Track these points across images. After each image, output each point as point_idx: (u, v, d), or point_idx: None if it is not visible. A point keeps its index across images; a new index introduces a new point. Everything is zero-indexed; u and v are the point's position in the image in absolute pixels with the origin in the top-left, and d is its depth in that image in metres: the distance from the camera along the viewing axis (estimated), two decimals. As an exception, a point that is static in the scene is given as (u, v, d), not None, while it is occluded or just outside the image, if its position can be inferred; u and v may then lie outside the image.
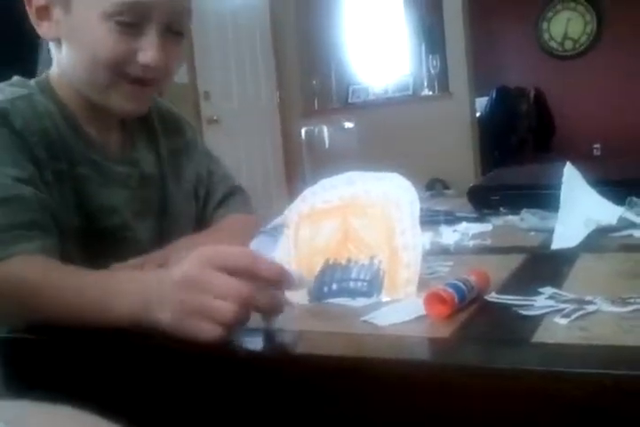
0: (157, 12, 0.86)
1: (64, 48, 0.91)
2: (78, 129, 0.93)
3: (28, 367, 0.69)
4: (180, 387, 0.58)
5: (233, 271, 0.57)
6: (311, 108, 5.22)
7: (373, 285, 0.68)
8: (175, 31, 0.90)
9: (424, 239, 0.95)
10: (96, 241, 0.89)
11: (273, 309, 0.59)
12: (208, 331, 0.56)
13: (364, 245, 0.70)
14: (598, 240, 0.92)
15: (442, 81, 4.97)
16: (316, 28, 5.39)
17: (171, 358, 0.59)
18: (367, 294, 0.67)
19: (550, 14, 7.59)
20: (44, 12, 0.89)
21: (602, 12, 7.32)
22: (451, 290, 0.59)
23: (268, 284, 0.58)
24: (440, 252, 0.95)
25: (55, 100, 0.93)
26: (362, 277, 0.67)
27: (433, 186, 5.11)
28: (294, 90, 5.26)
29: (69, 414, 0.33)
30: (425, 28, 5.01)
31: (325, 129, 5.05)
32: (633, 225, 0.99)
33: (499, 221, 1.21)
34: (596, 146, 7.57)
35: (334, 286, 0.68)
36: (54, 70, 0.96)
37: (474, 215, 1.27)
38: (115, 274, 0.73)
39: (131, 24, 0.85)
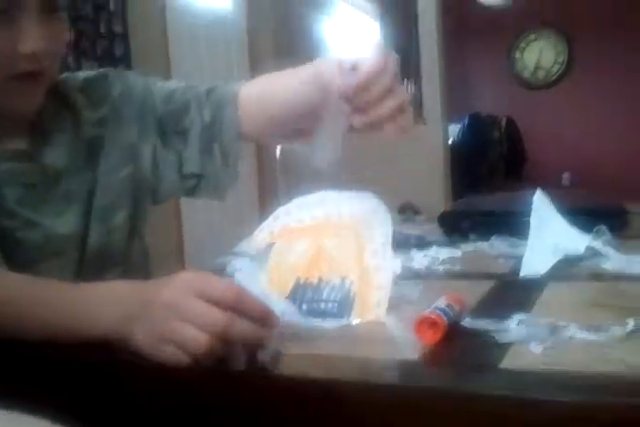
0: None
1: None
2: None
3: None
4: (144, 404, 0.58)
5: (215, 302, 0.56)
6: (286, 130, 5.23)
7: (344, 306, 0.68)
8: (53, 9, 0.78)
9: (395, 262, 0.96)
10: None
11: (251, 342, 0.57)
12: (177, 359, 0.56)
13: (336, 266, 0.70)
14: (566, 269, 0.93)
15: (416, 107, 5.03)
16: (294, 48, 5.43)
17: (138, 374, 0.59)
18: (337, 316, 0.67)
19: (523, 44, 7.75)
20: None
21: (573, 42, 7.50)
22: (441, 314, 0.60)
23: (250, 320, 0.57)
24: (411, 276, 0.95)
25: None
26: (332, 297, 0.67)
27: (404, 210, 5.15)
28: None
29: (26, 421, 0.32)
30: (400, 55, 5.05)
31: (301, 148, 5.07)
32: (600, 254, 1.00)
33: (469, 247, 1.22)
34: (565, 175, 7.71)
35: (304, 307, 0.68)
36: None
37: (444, 240, 1.28)
38: (96, 285, 0.69)
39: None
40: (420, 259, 1.07)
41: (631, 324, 0.59)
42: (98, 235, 0.87)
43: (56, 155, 0.87)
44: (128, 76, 0.97)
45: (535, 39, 7.69)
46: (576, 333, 0.59)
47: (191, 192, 0.97)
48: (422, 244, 1.25)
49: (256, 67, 5.29)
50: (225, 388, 0.55)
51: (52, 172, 0.86)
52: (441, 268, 1.02)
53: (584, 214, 1.25)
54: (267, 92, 0.91)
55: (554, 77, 7.65)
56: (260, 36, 5.21)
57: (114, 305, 0.63)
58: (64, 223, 0.85)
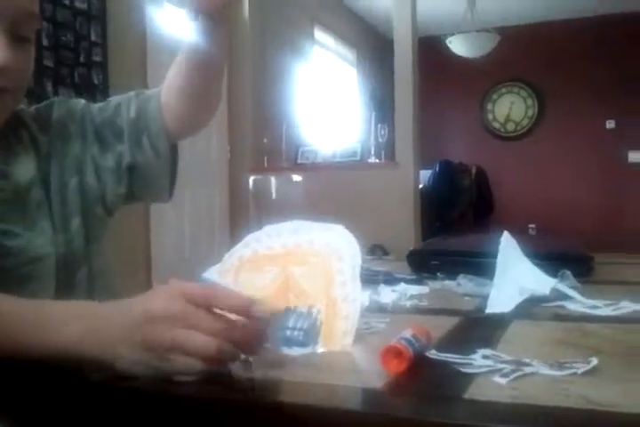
0: None
1: None
2: None
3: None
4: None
5: (207, 306, 0.57)
6: (260, 166, 5.26)
7: (310, 335, 0.67)
8: (21, 37, 0.83)
9: (363, 295, 0.96)
10: None
11: (249, 343, 0.58)
12: (190, 366, 0.55)
13: (304, 294, 0.69)
14: (531, 308, 0.94)
15: (389, 150, 5.11)
16: (270, 90, 5.50)
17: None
18: (303, 344, 0.66)
19: (495, 97, 7.96)
20: None
21: (543, 97, 7.72)
22: (406, 344, 0.59)
23: (233, 312, 0.58)
24: (377, 309, 0.95)
25: None
26: (299, 326, 0.67)
27: (374, 251, 5.16)
28: (245, 147, 5.31)
29: None
30: (376, 99, 5.18)
31: (273, 180, 5.10)
32: (565, 296, 1.01)
33: (436, 284, 1.22)
34: (531, 226, 7.82)
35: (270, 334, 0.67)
36: None
37: (412, 277, 1.28)
38: (55, 302, 0.68)
39: None
40: (387, 293, 1.07)
41: (594, 362, 0.59)
42: (61, 241, 0.93)
43: (23, 171, 0.92)
44: (70, 100, 1.04)
45: (507, 92, 7.91)
46: (540, 368, 0.59)
47: (131, 193, 1.03)
48: (390, 280, 1.26)
49: (234, 106, 5.35)
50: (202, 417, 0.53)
51: (23, 186, 0.91)
52: (408, 303, 1.02)
53: (550, 259, 1.27)
54: (172, 83, 1.02)
55: (523, 130, 7.85)
56: (238, 76, 5.27)
57: (85, 312, 0.61)
58: (39, 232, 0.90)
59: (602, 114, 7.38)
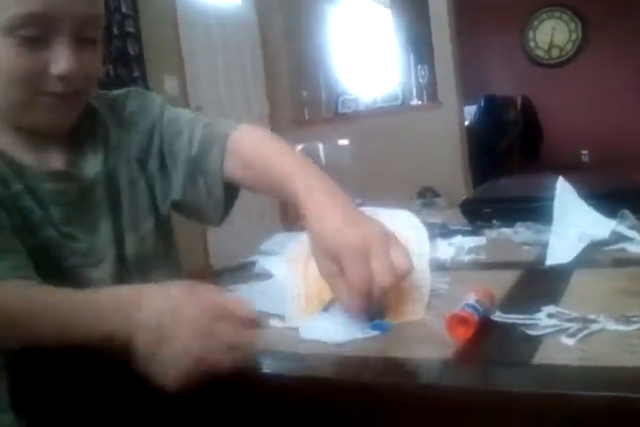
0: (62, 21, 0.79)
1: None
2: (3, 157, 0.85)
3: (33, 384, 0.70)
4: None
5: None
6: (301, 119, 5.24)
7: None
8: (86, 38, 0.83)
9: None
10: (39, 255, 0.82)
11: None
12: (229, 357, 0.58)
13: None
14: (591, 255, 0.93)
15: (431, 91, 5.01)
16: (305, 40, 5.42)
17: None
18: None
19: (536, 23, 7.66)
20: None
21: (586, 20, 7.40)
22: (471, 311, 0.61)
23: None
24: (437, 267, 0.96)
25: None
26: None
27: (424, 194, 5.14)
28: (284, 101, 5.28)
29: None
30: (413, 40, 5.05)
31: (320, 146, 5.07)
32: (625, 238, 1.00)
33: (492, 234, 1.22)
34: (583, 152, 7.64)
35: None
36: None
37: (468, 228, 1.28)
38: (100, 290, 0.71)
39: (35, 37, 0.78)
40: (445, 249, 1.07)
41: (661, 315, 0.60)
42: (133, 242, 0.92)
43: (89, 168, 0.91)
44: (146, 94, 1.01)
45: (548, 18, 7.60)
46: (606, 324, 0.60)
47: (177, 212, 1.00)
48: (446, 233, 1.26)
49: (269, 59, 5.30)
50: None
51: (88, 185, 0.90)
52: (466, 258, 1.02)
53: (606, 198, 1.25)
54: (250, 155, 0.92)
55: (568, 56, 7.56)
56: (271, 29, 5.21)
57: (123, 311, 0.64)
58: (102, 234, 0.89)
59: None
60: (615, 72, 7.24)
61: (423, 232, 0.73)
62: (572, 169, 7.25)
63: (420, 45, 5.03)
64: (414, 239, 0.73)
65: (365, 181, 4.57)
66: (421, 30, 5.00)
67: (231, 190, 0.96)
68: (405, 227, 0.73)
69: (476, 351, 0.57)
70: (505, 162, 6.63)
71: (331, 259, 0.68)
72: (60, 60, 0.80)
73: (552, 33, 7.60)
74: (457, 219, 1.46)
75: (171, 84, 4.34)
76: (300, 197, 0.76)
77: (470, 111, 6.23)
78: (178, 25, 4.45)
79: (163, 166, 0.96)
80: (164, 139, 0.97)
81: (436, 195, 5.12)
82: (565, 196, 1.06)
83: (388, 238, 0.67)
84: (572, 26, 7.50)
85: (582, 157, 7.64)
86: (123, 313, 0.63)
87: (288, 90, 5.26)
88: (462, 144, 5.02)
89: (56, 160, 0.89)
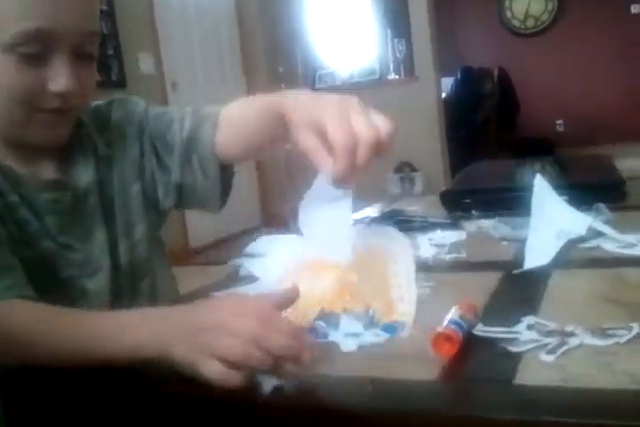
0: (61, 38, 0.80)
1: None
2: None
3: (28, 402, 0.71)
4: None
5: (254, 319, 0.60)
6: (278, 94, 5.21)
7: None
8: (84, 54, 0.84)
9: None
10: (36, 267, 0.83)
11: (286, 354, 0.59)
12: (215, 371, 0.58)
13: (360, 296, 0.73)
14: (568, 254, 0.96)
15: (408, 65, 5.00)
16: (281, 14, 5.35)
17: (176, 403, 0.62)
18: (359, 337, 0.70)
19: (512, -8, 7.63)
20: None
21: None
22: (455, 328, 0.63)
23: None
24: (419, 267, 0.98)
25: None
26: (355, 324, 0.70)
27: (401, 169, 5.17)
28: (261, 77, 5.24)
29: None
30: (390, 13, 5.01)
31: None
32: (600, 234, 1.03)
33: (472, 226, 1.25)
34: (559, 122, 7.69)
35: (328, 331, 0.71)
36: None
37: (447, 221, 1.30)
38: (128, 311, 0.72)
39: (35, 54, 0.79)
40: (426, 248, 1.09)
41: (635, 329, 0.62)
42: (125, 250, 0.94)
43: (81, 177, 0.92)
44: (129, 100, 1.01)
45: (523, -14, 7.58)
46: (583, 337, 0.63)
47: (180, 204, 1.01)
48: (426, 226, 1.28)
49: (245, 35, 5.23)
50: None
51: (81, 194, 0.91)
52: (448, 257, 1.05)
53: (582, 189, 1.28)
54: (238, 117, 0.95)
55: (544, 25, 7.56)
56: (247, 4, 5.13)
57: (150, 326, 0.65)
58: (96, 242, 0.91)
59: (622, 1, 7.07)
60: (590, 42, 7.26)
61: (409, 251, 0.75)
62: (547, 140, 7.31)
63: (397, 20, 5.00)
64: (402, 257, 0.74)
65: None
66: (398, 4, 4.96)
67: (227, 173, 0.98)
68: (392, 244, 0.75)
69: (460, 370, 0.60)
70: (482, 133, 6.66)
71: (313, 130, 0.69)
72: (59, 78, 0.80)
73: (528, 2, 7.57)
74: (436, 208, 1.48)
75: (146, 62, 4.28)
76: (284, 104, 0.78)
77: (447, 83, 6.23)
78: (152, 1, 4.37)
79: (159, 160, 0.98)
80: (154, 135, 0.98)
81: (414, 169, 5.15)
82: (542, 193, 1.08)
83: (365, 105, 0.69)
84: (548, -5, 7.48)
85: (557, 126, 7.70)
86: (150, 327, 0.65)
87: (265, 66, 5.22)
88: (440, 118, 5.04)
89: (48, 170, 0.90)
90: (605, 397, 0.51)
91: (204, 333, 0.61)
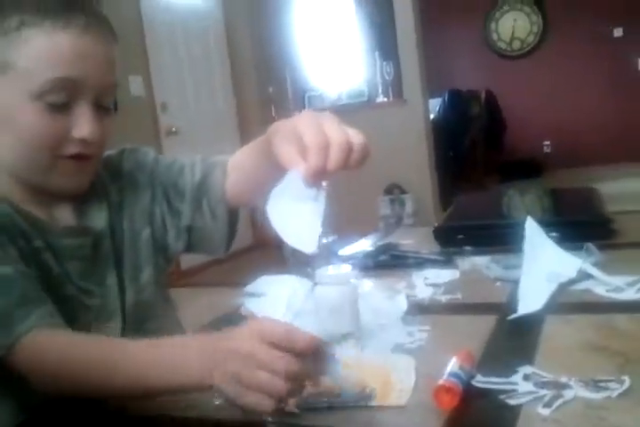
0: (87, 87, 0.85)
1: None
2: (21, 212, 0.88)
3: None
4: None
5: (277, 346, 0.63)
6: (269, 116, 5.25)
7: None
8: (103, 105, 0.89)
9: (401, 301, 1.03)
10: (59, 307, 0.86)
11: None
12: (264, 404, 0.61)
13: (358, 380, 0.74)
14: (560, 297, 1.00)
15: (396, 87, 5.07)
16: (271, 36, 5.42)
17: None
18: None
19: (498, 15, 7.77)
20: None
21: (547, 12, 7.53)
22: (455, 380, 0.66)
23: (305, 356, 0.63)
24: (416, 310, 1.01)
25: None
26: (352, 398, 0.72)
27: (391, 191, 5.22)
28: (251, 97, 5.29)
29: None
30: (378, 36, 5.08)
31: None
32: (590, 276, 1.07)
33: (465, 264, 1.28)
34: (546, 143, 7.81)
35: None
36: None
37: (441, 258, 1.34)
38: (171, 338, 0.75)
39: (60, 102, 0.83)
40: (422, 288, 1.13)
41: (627, 383, 0.66)
42: (133, 292, 0.97)
43: (96, 222, 0.96)
44: (139, 150, 1.07)
45: (509, 9, 7.71)
46: (577, 390, 0.66)
47: (189, 247, 1.06)
48: (420, 263, 1.32)
49: (235, 55, 5.28)
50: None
51: (97, 240, 0.95)
52: (444, 298, 1.08)
53: (572, 226, 1.33)
54: (241, 162, 1.01)
55: (529, 47, 7.70)
56: (236, 24, 5.19)
57: (198, 354, 0.68)
58: (110, 287, 0.95)
59: (608, 22, 7.21)
60: (575, 63, 7.40)
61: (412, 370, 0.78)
62: (534, 161, 7.41)
63: (385, 42, 5.07)
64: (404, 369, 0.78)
65: (332, 179, 4.60)
66: (386, 27, 5.04)
67: (233, 216, 1.03)
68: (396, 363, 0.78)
69: (462, 423, 0.63)
70: (469, 155, 6.74)
71: (289, 141, 0.72)
72: (83, 124, 0.85)
73: (513, 25, 7.71)
74: (428, 242, 1.52)
75: (135, 84, 4.32)
76: (270, 135, 0.79)
77: (434, 105, 6.31)
78: (142, 23, 4.42)
79: (170, 205, 1.03)
80: (165, 182, 1.03)
81: (403, 191, 5.20)
82: (534, 237, 1.12)
83: (340, 120, 0.72)
84: (534, 17, 7.62)
85: (545, 148, 7.81)
86: (190, 356, 0.68)
87: (255, 87, 5.27)
88: (428, 140, 5.10)
89: (66, 215, 0.94)
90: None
91: (235, 362, 0.63)
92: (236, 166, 1.01)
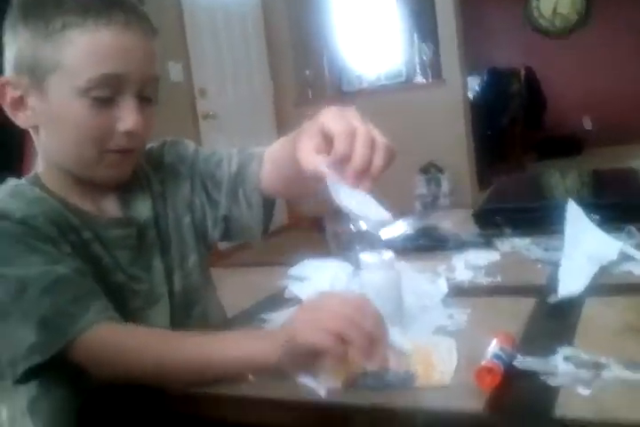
0: (131, 81, 0.88)
1: (43, 133, 0.92)
2: (70, 207, 0.93)
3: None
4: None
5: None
6: (305, 98, 5.26)
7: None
8: (146, 98, 0.92)
9: (442, 284, 1.05)
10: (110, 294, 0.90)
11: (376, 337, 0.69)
12: (321, 338, 0.67)
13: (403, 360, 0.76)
14: (601, 279, 1.00)
15: (434, 68, 5.02)
16: (308, 19, 5.40)
17: None
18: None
19: (539, -9, 7.60)
20: (19, 103, 0.90)
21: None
22: (496, 361, 0.68)
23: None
24: (456, 292, 1.03)
25: (42, 187, 0.94)
26: (394, 377, 0.74)
27: (428, 170, 5.20)
28: (288, 81, 5.30)
29: None
30: (416, 16, 5.04)
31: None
32: (631, 258, 1.08)
33: (505, 246, 1.29)
34: (586, 120, 7.66)
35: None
36: (39, 162, 0.97)
37: (481, 240, 1.35)
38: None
39: (106, 97, 0.87)
40: (462, 271, 1.14)
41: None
42: (180, 278, 1.02)
43: (140, 212, 1.00)
44: (180, 143, 1.11)
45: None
46: (617, 371, 0.68)
47: (225, 235, 1.10)
48: (460, 245, 1.33)
49: (272, 37, 5.29)
50: None
51: (142, 229, 0.99)
52: (484, 281, 1.09)
53: (613, 208, 1.33)
54: (276, 153, 1.03)
55: (571, 25, 7.51)
56: (274, 7, 5.18)
57: (266, 333, 0.79)
58: (156, 273, 0.99)
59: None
60: (618, 41, 7.21)
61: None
62: (574, 138, 7.28)
63: (424, 23, 5.02)
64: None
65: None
66: (425, 7, 4.99)
67: (269, 204, 1.07)
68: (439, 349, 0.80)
69: (503, 403, 0.65)
70: (508, 134, 6.66)
71: (310, 136, 0.75)
72: (128, 118, 0.88)
73: (556, 1, 7.54)
74: (467, 224, 1.53)
75: (175, 71, 4.37)
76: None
77: (473, 83, 6.24)
78: (182, 10, 4.45)
79: (208, 196, 1.07)
80: (204, 174, 1.07)
81: (440, 170, 5.18)
82: (575, 219, 1.12)
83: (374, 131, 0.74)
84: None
85: (585, 125, 7.67)
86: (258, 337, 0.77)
87: (292, 70, 5.28)
88: (466, 120, 5.05)
89: (111, 207, 0.99)
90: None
91: (306, 312, 0.72)
92: (271, 158, 1.04)
